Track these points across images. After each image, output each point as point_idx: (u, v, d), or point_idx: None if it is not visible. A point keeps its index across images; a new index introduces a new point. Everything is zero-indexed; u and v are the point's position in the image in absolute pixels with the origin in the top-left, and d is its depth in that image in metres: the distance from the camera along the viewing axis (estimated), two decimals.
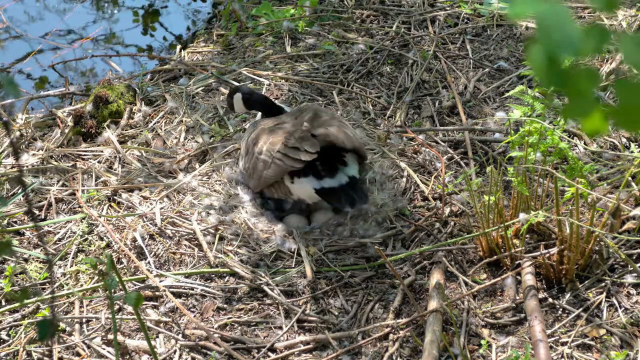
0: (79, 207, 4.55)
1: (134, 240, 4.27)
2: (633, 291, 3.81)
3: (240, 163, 4.55)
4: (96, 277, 4.07)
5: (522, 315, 3.73)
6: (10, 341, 3.81)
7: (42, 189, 4.71)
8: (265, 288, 3.95)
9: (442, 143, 4.91)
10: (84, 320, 3.90)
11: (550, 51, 1.42)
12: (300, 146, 4.07)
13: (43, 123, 5.44)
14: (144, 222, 4.37)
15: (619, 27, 5.68)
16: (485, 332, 3.70)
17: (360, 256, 4.15)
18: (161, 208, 4.46)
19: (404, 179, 4.57)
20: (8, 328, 3.88)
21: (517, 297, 3.82)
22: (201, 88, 5.59)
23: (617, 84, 1.43)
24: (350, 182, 4.09)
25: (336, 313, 3.87)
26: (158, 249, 4.24)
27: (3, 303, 4.03)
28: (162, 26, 7.45)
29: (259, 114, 4.86)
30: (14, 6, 7.56)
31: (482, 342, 3.59)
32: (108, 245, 4.30)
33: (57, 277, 4.15)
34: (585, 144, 4.75)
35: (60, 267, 4.21)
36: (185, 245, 4.26)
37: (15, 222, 4.54)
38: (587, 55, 1.43)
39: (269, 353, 3.67)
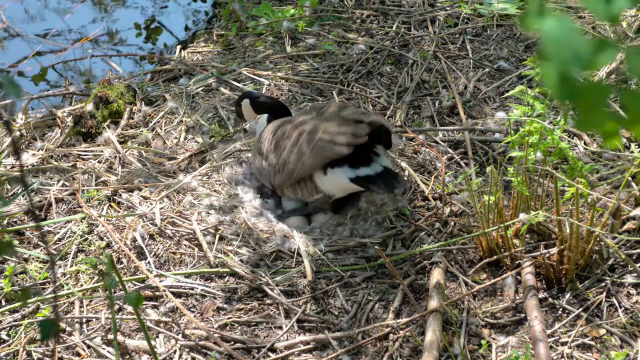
0: (79, 207, 4.56)
1: (134, 240, 4.27)
2: (633, 291, 3.81)
3: (264, 163, 4.38)
4: (96, 277, 4.08)
5: (522, 315, 3.73)
6: (10, 341, 3.81)
7: (42, 189, 4.71)
8: (265, 288, 3.95)
9: (442, 143, 4.91)
10: (84, 320, 3.90)
11: (561, 67, 1.44)
12: (347, 131, 3.97)
13: (43, 123, 5.44)
14: (144, 222, 4.37)
15: (619, 27, 5.68)
16: (485, 332, 3.71)
17: (360, 256, 4.15)
18: (161, 208, 4.46)
19: (404, 179, 4.56)
20: (8, 328, 3.88)
21: (517, 297, 3.82)
22: (201, 88, 5.59)
23: (627, 97, 1.46)
24: (385, 170, 4.03)
25: (336, 313, 3.87)
26: (158, 249, 4.24)
27: (3, 303, 4.03)
28: (162, 26, 7.45)
29: (264, 116, 4.76)
30: (14, 6, 7.56)
31: (482, 342, 3.59)
32: (108, 245, 4.30)
33: (57, 277, 4.15)
34: (585, 144, 4.76)
35: (60, 267, 4.21)
36: (185, 245, 4.26)
37: (15, 222, 4.54)
38: (596, 69, 1.47)
39: (269, 353, 3.67)
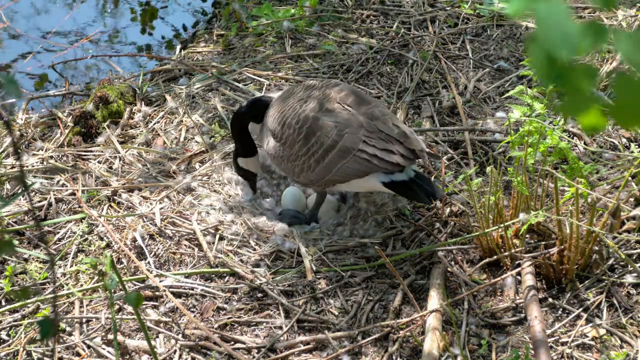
0: (79, 207, 4.56)
1: (134, 240, 4.27)
2: (633, 291, 3.81)
3: (281, 150, 4.20)
4: (96, 277, 4.08)
5: (522, 315, 3.73)
6: (10, 341, 3.81)
7: (42, 189, 4.70)
8: (265, 288, 3.95)
9: (442, 143, 4.92)
10: (84, 320, 3.91)
11: (549, 49, 1.43)
12: (394, 149, 3.91)
13: (43, 123, 5.44)
14: (144, 222, 4.37)
15: (619, 27, 5.68)
16: (485, 332, 3.71)
17: (360, 256, 4.15)
18: (161, 208, 4.46)
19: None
20: (8, 328, 3.88)
21: (517, 297, 3.82)
22: (201, 88, 5.59)
23: (618, 79, 1.43)
24: (417, 174, 4.00)
25: (336, 313, 3.87)
26: (158, 249, 4.24)
27: (3, 303, 4.03)
28: (162, 24, 7.45)
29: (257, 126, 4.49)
30: (14, 5, 7.56)
31: (482, 342, 3.59)
32: (108, 245, 4.30)
33: (57, 277, 4.15)
34: (585, 144, 4.75)
35: (60, 267, 4.21)
36: (185, 245, 4.26)
37: (15, 222, 4.54)
38: (586, 53, 1.44)
39: (269, 353, 3.67)
